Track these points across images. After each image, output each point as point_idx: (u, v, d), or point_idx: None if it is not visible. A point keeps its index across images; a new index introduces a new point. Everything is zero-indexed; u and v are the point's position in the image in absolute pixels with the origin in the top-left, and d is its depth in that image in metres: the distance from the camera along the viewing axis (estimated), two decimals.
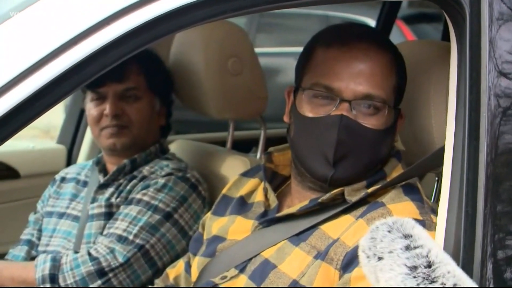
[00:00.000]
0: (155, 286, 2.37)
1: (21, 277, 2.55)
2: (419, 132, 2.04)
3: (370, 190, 1.94)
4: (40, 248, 2.75)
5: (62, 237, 2.73)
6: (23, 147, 3.58)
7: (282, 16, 7.51)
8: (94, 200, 2.72)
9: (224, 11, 1.61)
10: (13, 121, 1.50)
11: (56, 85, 1.50)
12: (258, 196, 2.14)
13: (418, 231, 1.53)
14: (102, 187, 2.75)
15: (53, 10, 1.56)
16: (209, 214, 2.27)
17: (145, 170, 2.72)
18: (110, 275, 2.52)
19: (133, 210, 2.60)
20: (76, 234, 2.69)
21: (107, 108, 2.69)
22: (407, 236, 1.51)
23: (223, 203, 2.24)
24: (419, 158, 1.97)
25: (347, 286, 1.81)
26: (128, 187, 2.70)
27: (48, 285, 2.51)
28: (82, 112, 3.46)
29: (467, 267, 1.66)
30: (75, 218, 2.74)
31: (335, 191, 1.96)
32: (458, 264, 1.59)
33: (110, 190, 2.73)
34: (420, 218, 1.86)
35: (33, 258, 2.65)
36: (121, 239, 2.55)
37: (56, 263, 2.53)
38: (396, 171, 2.02)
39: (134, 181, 2.70)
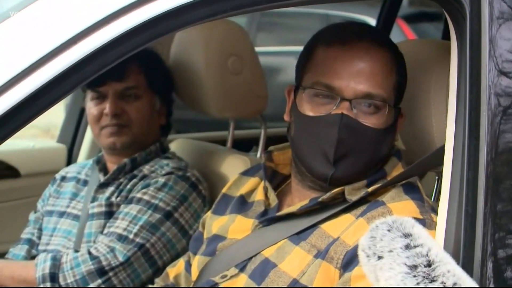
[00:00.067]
0: (155, 285, 2.37)
1: (21, 276, 2.55)
2: (419, 131, 2.04)
3: (370, 189, 1.94)
4: (41, 247, 2.75)
5: (62, 236, 2.73)
6: (24, 146, 3.58)
7: (282, 15, 7.50)
8: (94, 199, 2.72)
9: (224, 10, 1.61)
10: (13, 120, 1.50)
11: (56, 84, 1.50)
12: (258, 195, 2.14)
13: (418, 230, 1.53)
14: (102, 186, 2.75)
15: (53, 9, 1.56)
16: (209, 213, 2.27)
17: (146, 169, 2.72)
18: (110, 274, 2.52)
19: (133, 209, 2.60)
20: (76, 233, 2.69)
21: (107, 107, 2.69)
22: (407, 235, 1.51)
23: (223, 202, 2.24)
24: (419, 157, 1.97)
25: (347, 285, 1.81)
26: (128, 186, 2.70)
27: (48, 284, 2.51)
28: (82, 111, 3.46)
29: (467, 266, 1.66)
30: (75, 217, 2.74)
31: (335, 190, 1.96)
32: (458, 263, 1.59)
33: (111, 189, 2.73)
34: (420, 217, 1.86)
35: (33, 257, 2.65)
36: (121, 238, 2.55)
37: (56, 262, 2.53)
38: (396, 170, 2.01)
39: (135, 180, 2.70)
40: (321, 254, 1.90)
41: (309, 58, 2.02)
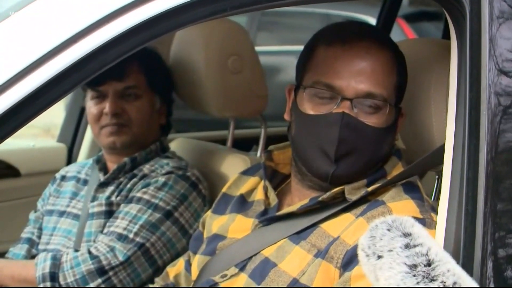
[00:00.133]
0: (155, 284, 2.37)
1: (21, 275, 2.55)
2: (419, 130, 2.04)
3: (370, 188, 1.94)
4: (41, 247, 2.75)
5: (62, 235, 2.73)
6: (24, 145, 3.58)
7: (283, 14, 7.50)
8: (94, 198, 2.72)
9: (224, 9, 1.61)
10: (13, 119, 1.49)
11: (55, 83, 1.50)
12: (258, 195, 2.13)
13: (418, 229, 1.53)
14: (102, 185, 2.74)
15: (53, 8, 1.56)
16: (209, 213, 2.27)
17: (146, 168, 2.72)
18: (110, 273, 2.52)
19: (133, 208, 2.60)
20: (76, 233, 2.69)
21: (107, 106, 2.69)
22: (406, 235, 1.51)
23: (223, 202, 2.24)
24: (420, 156, 1.97)
25: (347, 284, 1.81)
26: (128, 186, 2.70)
27: (48, 283, 2.51)
28: (82, 110, 3.46)
29: (467, 266, 1.66)
30: (75, 217, 2.74)
31: (335, 189, 1.96)
32: (458, 263, 1.59)
33: (111, 188, 2.73)
34: (420, 216, 1.86)
35: (33, 257, 2.65)
36: (121, 237, 2.55)
37: (56, 262, 2.53)
38: (396, 169, 2.01)
39: (135, 179, 2.70)
40: (321, 254, 1.90)
41: (309, 57, 2.02)
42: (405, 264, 1.48)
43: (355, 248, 1.76)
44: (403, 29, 7.06)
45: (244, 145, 3.25)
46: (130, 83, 2.72)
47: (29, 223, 2.86)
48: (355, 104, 1.95)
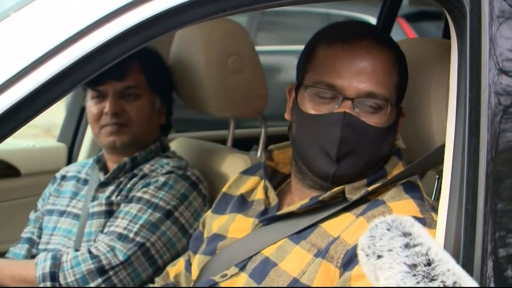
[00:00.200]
0: (155, 284, 2.37)
1: (21, 275, 2.55)
2: (420, 130, 2.04)
3: (370, 188, 1.94)
4: (41, 246, 2.75)
5: (62, 235, 2.73)
6: (24, 145, 3.58)
7: (283, 14, 7.50)
8: (94, 198, 2.72)
9: (224, 9, 1.61)
10: (13, 119, 1.49)
11: (55, 83, 1.50)
12: (258, 194, 2.13)
13: (418, 229, 1.52)
14: (102, 185, 2.75)
15: (53, 8, 1.56)
16: (209, 212, 2.27)
17: (146, 168, 2.72)
18: (111, 273, 2.52)
19: (133, 208, 2.60)
20: (76, 232, 2.69)
21: (107, 106, 2.69)
22: (406, 234, 1.51)
23: (223, 201, 2.24)
24: (420, 156, 1.97)
25: (347, 284, 1.81)
26: (128, 185, 2.70)
27: (48, 283, 2.51)
28: (82, 110, 3.46)
29: (467, 265, 1.66)
30: (76, 216, 2.74)
31: (336, 189, 1.96)
32: (458, 262, 1.59)
33: (111, 188, 2.73)
34: (421, 216, 1.86)
35: (33, 256, 2.66)
36: (121, 237, 2.55)
37: (56, 261, 2.53)
38: (396, 169, 2.01)
39: (135, 179, 2.70)
40: (321, 253, 1.90)
41: (310, 57, 2.02)
42: (405, 263, 1.48)
43: (355, 247, 1.76)
44: (404, 28, 7.06)
45: (244, 145, 3.25)
46: (130, 83, 2.72)
47: (29, 223, 2.86)
48: (357, 104, 1.94)
